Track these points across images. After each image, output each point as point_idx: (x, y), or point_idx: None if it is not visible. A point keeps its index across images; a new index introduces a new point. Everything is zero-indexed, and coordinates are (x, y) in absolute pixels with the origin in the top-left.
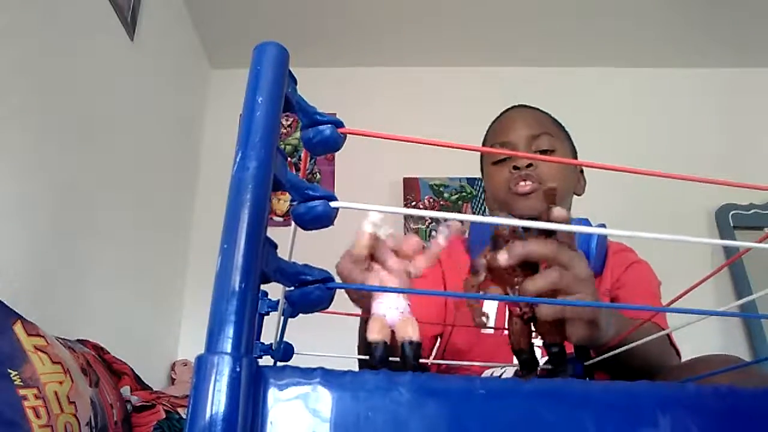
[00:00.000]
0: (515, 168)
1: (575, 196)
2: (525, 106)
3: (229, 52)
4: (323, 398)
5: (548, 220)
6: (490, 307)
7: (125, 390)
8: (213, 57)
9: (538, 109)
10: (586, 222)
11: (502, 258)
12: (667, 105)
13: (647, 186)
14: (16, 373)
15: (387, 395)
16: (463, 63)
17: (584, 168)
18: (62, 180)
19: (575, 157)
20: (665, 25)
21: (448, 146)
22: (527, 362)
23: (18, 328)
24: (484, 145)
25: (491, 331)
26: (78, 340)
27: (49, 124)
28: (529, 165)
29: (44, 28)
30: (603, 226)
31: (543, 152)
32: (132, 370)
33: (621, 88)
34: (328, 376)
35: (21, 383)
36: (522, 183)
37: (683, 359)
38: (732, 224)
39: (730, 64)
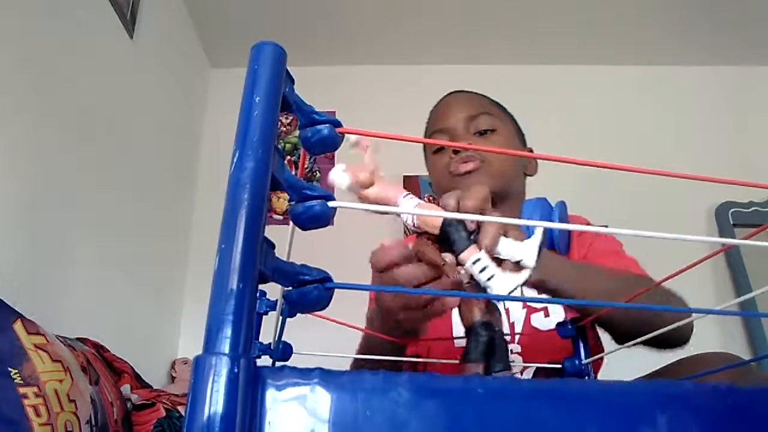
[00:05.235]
0: (455, 152)
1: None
2: (461, 90)
3: (228, 50)
4: (321, 398)
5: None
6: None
7: (125, 388)
8: (212, 56)
9: (475, 92)
10: (544, 201)
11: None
12: (668, 103)
13: (647, 184)
14: (16, 371)
15: (385, 395)
16: (464, 61)
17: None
18: (62, 178)
19: (521, 137)
20: (667, 23)
21: (447, 145)
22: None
23: (18, 326)
24: (425, 133)
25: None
26: (78, 339)
27: (49, 123)
28: None
29: (43, 27)
30: (563, 204)
31: (483, 132)
32: (132, 368)
33: (622, 86)
34: (327, 377)
35: (21, 381)
36: (463, 164)
37: (680, 357)
38: (732, 222)
39: (731, 61)
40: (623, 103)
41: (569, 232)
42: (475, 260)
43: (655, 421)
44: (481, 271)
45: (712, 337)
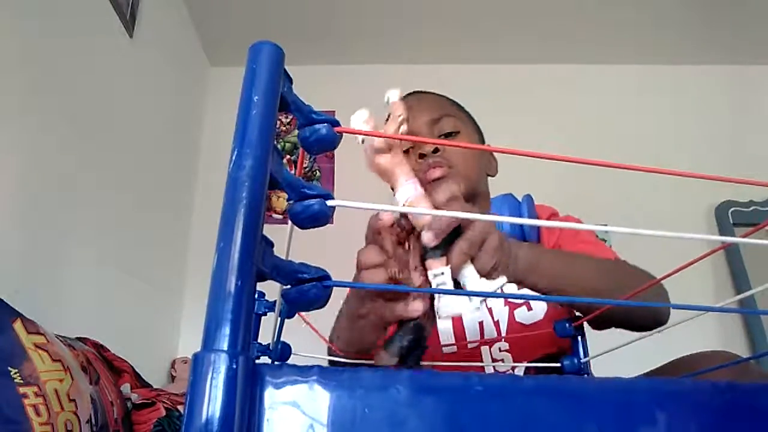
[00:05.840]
0: (421, 156)
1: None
2: (422, 91)
3: (228, 49)
4: (320, 396)
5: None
6: (444, 323)
7: (125, 388)
8: (212, 54)
9: (433, 93)
10: (510, 197)
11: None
12: (668, 102)
13: (647, 183)
14: (16, 371)
15: (384, 393)
16: (464, 60)
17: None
18: (61, 178)
19: (482, 138)
20: (669, 22)
21: (446, 144)
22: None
23: (18, 326)
24: None
25: (454, 349)
26: (78, 338)
27: (49, 122)
28: (435, 150)
29: (43, 26)
30: (530, 197)
31: (447, 135)
32: (132, 367)
33: (623, 85)
34: (325, 374)
35: (21, 381)
36: (431, 170)
37: (681, 356)
38: (732, 221)
39: (731, 61)
40: (623, 103)
41: (539, 228)
42: (437, 273)
43: (654, 418)
44: (437, 285)
45: (712, 335)
